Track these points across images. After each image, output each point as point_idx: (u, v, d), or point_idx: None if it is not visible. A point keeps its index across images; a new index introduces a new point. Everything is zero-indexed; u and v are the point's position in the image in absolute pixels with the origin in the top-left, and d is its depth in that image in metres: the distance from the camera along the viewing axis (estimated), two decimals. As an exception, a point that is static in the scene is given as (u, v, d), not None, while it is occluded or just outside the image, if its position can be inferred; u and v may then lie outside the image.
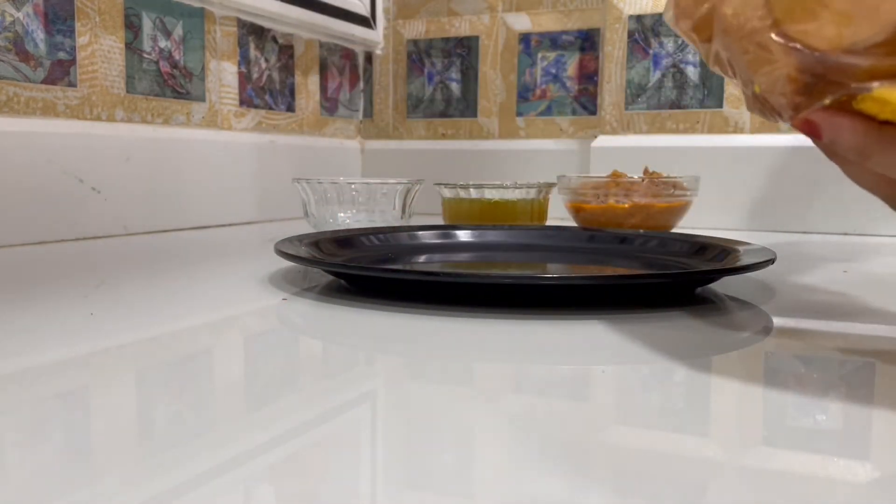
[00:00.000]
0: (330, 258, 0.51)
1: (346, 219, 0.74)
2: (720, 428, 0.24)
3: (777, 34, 0.26)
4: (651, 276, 0.47)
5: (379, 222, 0.73)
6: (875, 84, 0.25)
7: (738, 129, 0.92)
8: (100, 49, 0.74)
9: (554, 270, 0.56)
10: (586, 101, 1.05)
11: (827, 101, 0.26)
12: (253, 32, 0.95)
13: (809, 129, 0.27)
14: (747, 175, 0.90)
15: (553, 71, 1.06)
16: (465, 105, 1.11)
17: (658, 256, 0.55)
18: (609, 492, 0.19)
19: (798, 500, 0.19)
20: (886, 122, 0.26)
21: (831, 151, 0.29)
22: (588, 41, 1.04)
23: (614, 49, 0.96)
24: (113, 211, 0.74)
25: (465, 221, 0.76)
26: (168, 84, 0.82)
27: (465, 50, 1.11)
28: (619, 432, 0.24)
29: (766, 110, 0.28)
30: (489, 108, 1.10)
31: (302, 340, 0.37)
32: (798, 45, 0.26)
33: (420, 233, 0.62)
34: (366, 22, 1.13)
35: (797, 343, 0.35)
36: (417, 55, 1.15)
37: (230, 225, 0.88)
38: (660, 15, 0.93)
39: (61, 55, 0.70)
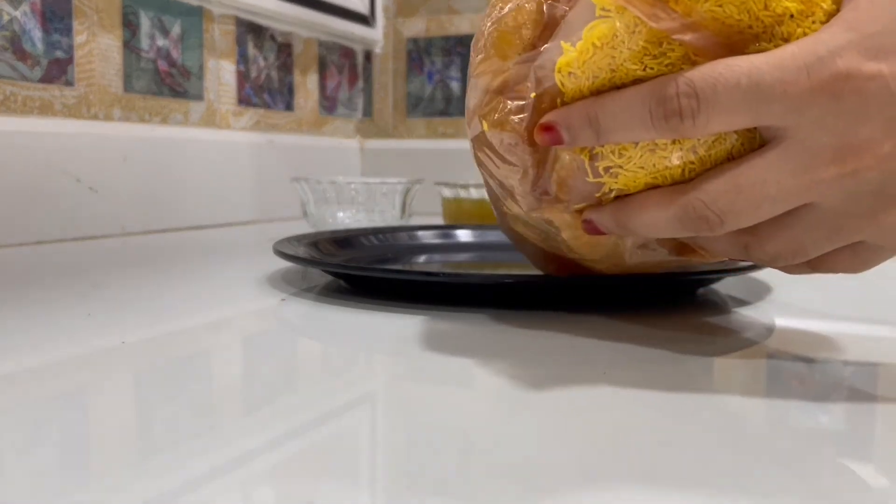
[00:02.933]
0: (329, 258, 0.51)
1: (346, 219, 0.74)
2: (722, 426, 0.24)
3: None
4: (652, 276, 0.47)
5: (378, 222, 0.73)
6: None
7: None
8: (97, 48, 0.74)
9: (554, 270, 0.56)
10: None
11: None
12: (251, 31, 0.94)
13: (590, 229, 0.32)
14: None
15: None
16: (465, 104, 1.11)
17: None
18: (618, 491, 0.19)
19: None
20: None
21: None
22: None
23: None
24: (110, 211, 0.74)
25: (465, 221, 0.76)
26: (166, 83, 0.82)
27: (465, 48, 1.11)
28: (619, 433, 0.23)
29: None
30: (488, 107, 1.10)
31: (301, 341, 0.37)
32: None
33: (420, 233, 0.62)
34: (365, 20, 1.12)
35: (799, 344, 0.35)
36: (417, 54, 1.15)
37: (228, 225, 0.88)
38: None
39: (58, 54, 0.70)
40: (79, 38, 0.72)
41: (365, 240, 0.58)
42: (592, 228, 0.32)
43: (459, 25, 1.12)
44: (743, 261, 0.31)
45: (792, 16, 0.27)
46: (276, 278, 0.50)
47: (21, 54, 0.67)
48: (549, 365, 0.31)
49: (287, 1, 0.97)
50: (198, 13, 0.86)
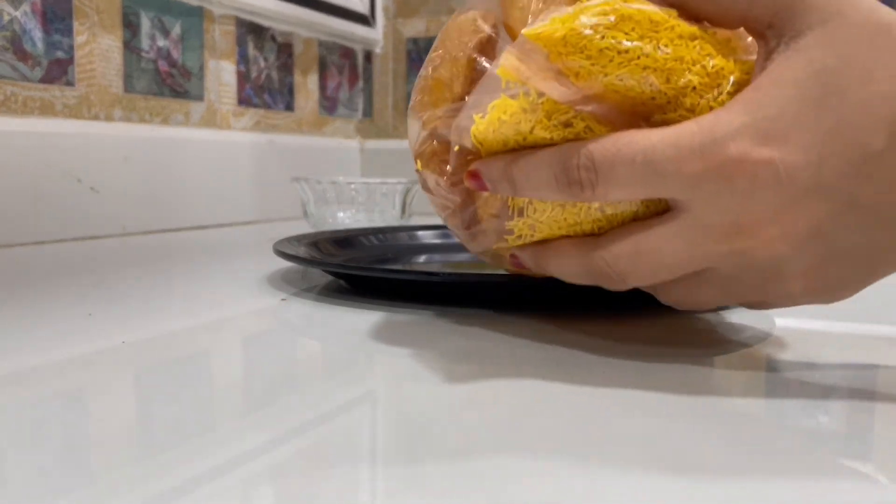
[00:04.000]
0: (329, 258, 0.51)
1: (346, 219, 0.74)
2: (721, 426, 0.24)
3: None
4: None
5: (378, 222, 0.73)
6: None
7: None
8: (98, 48, 0.74)
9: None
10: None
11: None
12: (252, 31, 0.94)
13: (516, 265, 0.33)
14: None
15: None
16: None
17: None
18: (619, 483, 0.19)
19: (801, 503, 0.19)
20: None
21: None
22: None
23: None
24: (111, 211, 0.74)
25: (464, 221, 0.76)
26: (166, 83, 0.82)
27: (464, 49, 1.11)
28: (621, 434, 0.24)
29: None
30: (488, 107, 1.10)
31: (301, 341, 0.37)
32: None
33: (420, 233, 0.62)
34: (365, 20, 1.12)
35: (799, 343, 0.35)
36: (417, 54, 1.15)
37: (229, 225, 0.88)
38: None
39: (59, 54, 0.70)
40: (79, 39, 0.72)
41: (365, 240, 0.58)
42: (517, 264, 0.33)
43: (459, 26, 1.11)
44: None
45: (695, 88, 0.28)
46: (276, 278, 0.50)
47: (22, 54, 0.67)
48: (549, 365, 0.31)
49: (287, 1, 0.97)
50: (198, 13, 0.86)
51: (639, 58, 0.27)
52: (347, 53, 1.14)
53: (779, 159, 0.25)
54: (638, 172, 0.27)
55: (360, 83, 1.17)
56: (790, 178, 0.25)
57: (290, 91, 1.02)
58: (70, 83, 0.71)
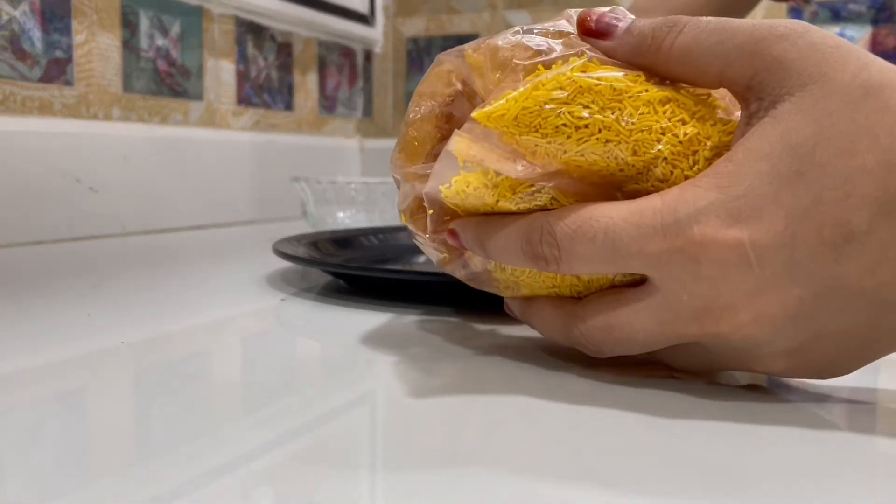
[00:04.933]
0: (329, 258, 0.51)
1: (345, 219, 0.73)
2: (725, 426, 0.24)
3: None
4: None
5: (378, 222, 0.73)
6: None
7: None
8: (97, 47, 0.74)
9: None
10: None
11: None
12: (251, 31, 0.94)
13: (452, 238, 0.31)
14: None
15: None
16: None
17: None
18: (604, 491, 0.19)
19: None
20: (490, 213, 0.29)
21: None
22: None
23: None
24: (110, 211, 0.74)
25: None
26: (165, 83, 0.82)
27: (463, 49, 1.11)
28: (622, 435, 0.23)
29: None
30: (488, 107, 1.10)
31: (300, 341, 0.37)
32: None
33: (419, 232, 0.62)
34: (365, 20, 1.12)
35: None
36: (417, 53, 1.15)
37: (228, 225, 0.88)
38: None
39: (58, 53, 0.70)
40: (78, 38, 0.72)
41: (365, 240, 0.58)
42: (509, 310, 0.33)
43: (459, 25, 1.11)
44: None
45: (666, 159, 0.26)
46: (275, 278, 0.50)
47: (20, 54, 0.67)
48: (549, 365, 0.31)
49: (287, 0, 0.96)
50: (197, 13, 0.86)
51: (600, 131, 0.26)
52: (347, 53, 1.14)
53: (748, 241, 0.23)
54: (599, 252, 0.25)
55: (360, 82, 1.17)
56: (761, 260, 0.23)
57: (290, 90, 1.02)
58: (69, 83, 0.71)
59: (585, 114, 0.26)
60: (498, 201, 0.28)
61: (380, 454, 0.22)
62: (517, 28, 0.29)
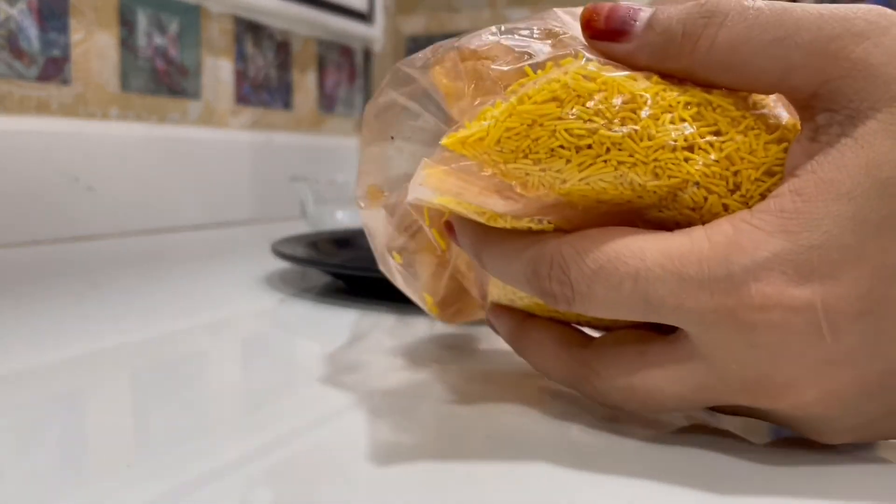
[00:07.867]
0: (328, 258, 0.51)
1: (345, 218, 0.73)
2: (725, 427, 0.24)
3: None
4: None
5: (377, 221, 0.73)
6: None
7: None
8: (94, 46, 0.73)
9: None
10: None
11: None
12: (250, 29, 0.94)
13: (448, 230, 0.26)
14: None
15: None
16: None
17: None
18: (600, 489, 0.19)
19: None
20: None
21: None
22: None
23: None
24: (108, 210, 0.73)
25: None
26: (163, 81, 0.81)
27: (463, 47, 1.11)
28: (622, 435, 0.23)
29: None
30: (488, 105, 1.09)
31: (299, 342, 0.37)
32: None
33: (419, 232, 0.61)
34: (364, 18, 1.12)
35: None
36: (416, 52, 1.14)
37: (227, 225, 0.88)
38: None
39: (55, 52, 0.70)
40: (75, 37, 0.71)
41: (364, 240, 0.58)
42: (493, 328, 0.30)
43: (459, 23, 1.11)
44: None
45: (698, 183, 0.20)
46: (274, 279, 0.50)
47: (17, 52, 0.66)
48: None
49: (285, -1, 0.96)
50: (195, 11, 0.85)
51: (608, 151, 0.20)
52: (346, 51, 1.13)
53: (821, 304, 0.18)
54: (625, 299, 0.20)
55: (359, 81, 1.17)
56: (836, 329, 0.18)
57: (289, 89, 1.02)
58: (66, 81, 0.71)
59: (587, 130, 0.20)
60: (488, 222, 0.23)
61: (378, 456, 0.22)
62: (494, 28, 0.23)
